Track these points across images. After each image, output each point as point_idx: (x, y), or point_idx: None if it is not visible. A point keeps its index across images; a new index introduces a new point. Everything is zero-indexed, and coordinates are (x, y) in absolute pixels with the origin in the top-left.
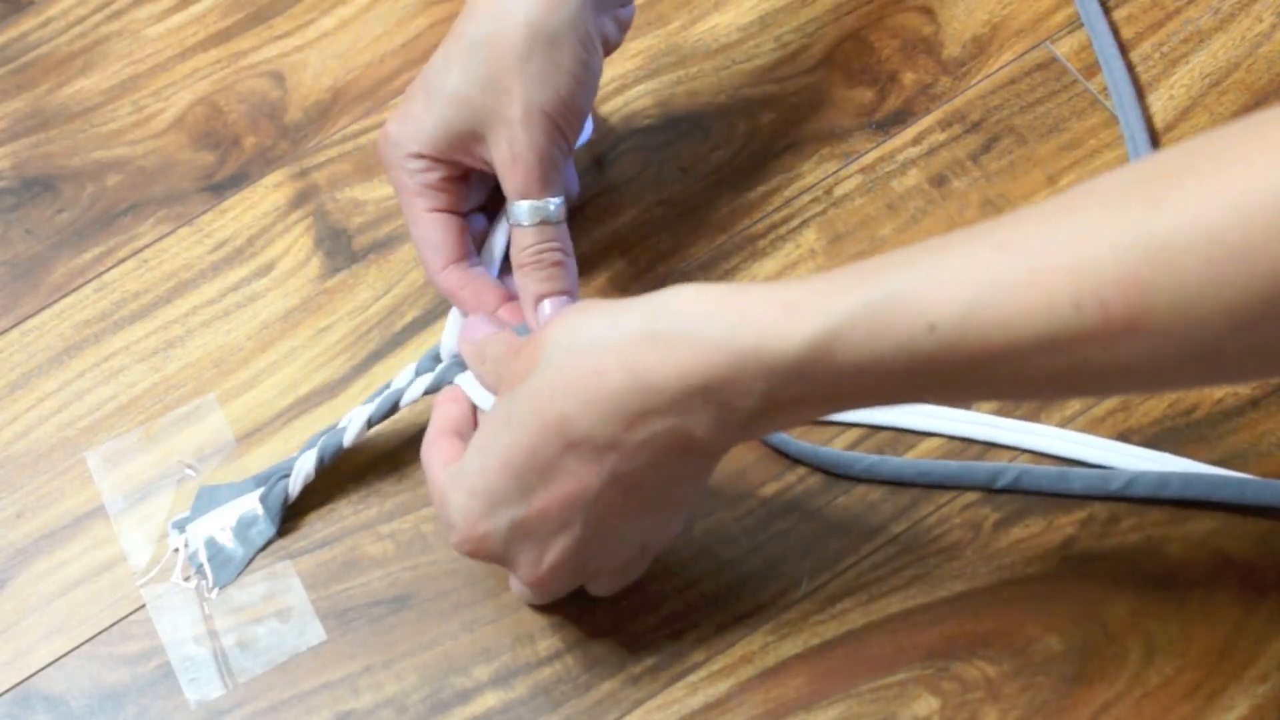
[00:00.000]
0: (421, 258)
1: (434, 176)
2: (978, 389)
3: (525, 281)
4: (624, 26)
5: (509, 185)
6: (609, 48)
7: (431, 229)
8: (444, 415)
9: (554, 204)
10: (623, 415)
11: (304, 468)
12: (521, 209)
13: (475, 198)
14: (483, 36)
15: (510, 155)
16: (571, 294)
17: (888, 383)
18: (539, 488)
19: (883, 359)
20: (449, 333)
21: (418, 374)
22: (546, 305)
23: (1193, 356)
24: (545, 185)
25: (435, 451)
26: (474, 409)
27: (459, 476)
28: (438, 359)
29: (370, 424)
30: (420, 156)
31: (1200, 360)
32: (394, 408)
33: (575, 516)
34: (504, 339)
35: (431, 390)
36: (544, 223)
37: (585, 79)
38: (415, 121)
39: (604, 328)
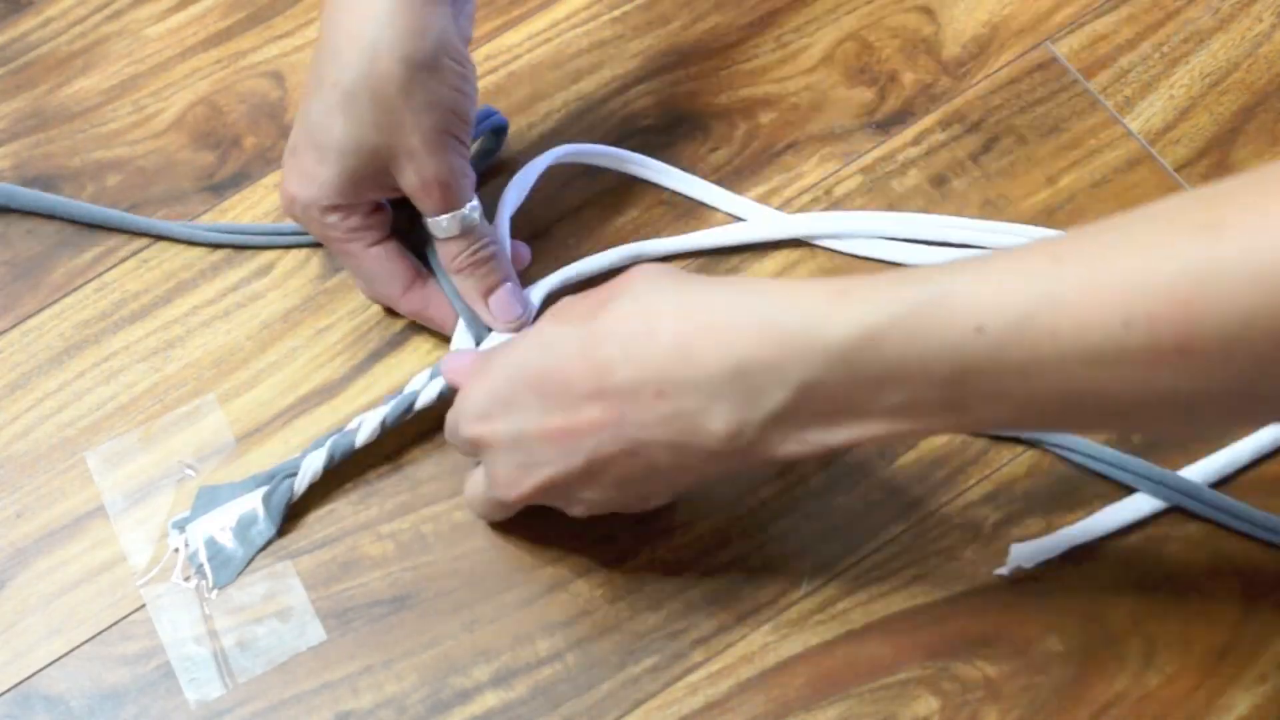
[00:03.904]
0: (377, 294)
1: (356, 219)
2: (1017, 403)
3: (466, 285)
4: (472, 18)
5: (426, 207)
6: (467, 43)
7: (379, 262)
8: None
9: (471, 207)
10: (657, 381)
11: (312, 466)
12: (442, 224)
13: (396, 219)
14: (359, 81)
15: (420, 181)
16: (511, 278)
17: (931, 381)
18: (557, 413)
19: (927, 355)
20: (459, 337)
21: (433, 377)
22: (494, 300)
23: (1236, 386)
24: (460, 196)
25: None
26: None
27: (485, 373)
28: None
29: (385, 426)
30: (335, 209)
31: (1243, 391)
32: (409, 410)
33: (577, 453)
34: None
35: (445, 395)
36: (467, 228)
37: (467, 88)
38: (316, 179)
39: (673, 293)
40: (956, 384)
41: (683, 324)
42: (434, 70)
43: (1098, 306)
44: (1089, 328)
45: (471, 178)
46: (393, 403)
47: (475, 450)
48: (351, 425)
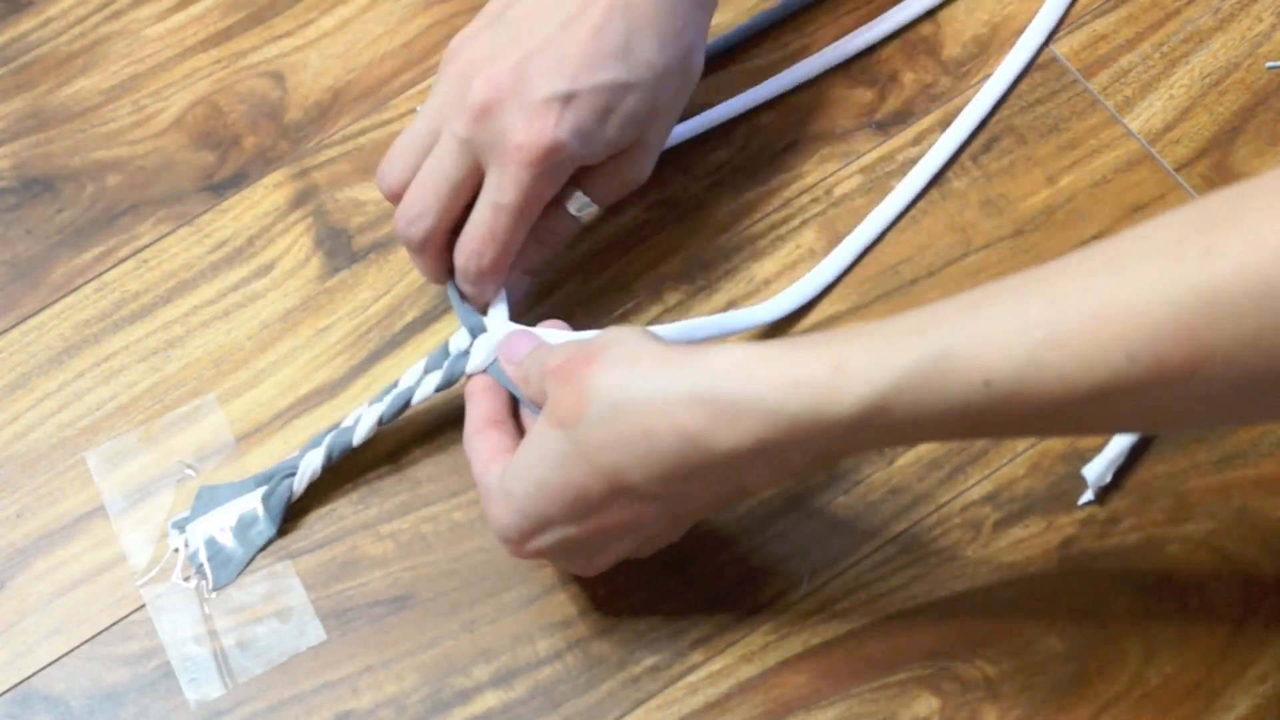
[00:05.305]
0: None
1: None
2: (1033, 431)
3: (525, 252)
4: None
5: (601, 192)
6: None
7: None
8: (482, 407)
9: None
10: (676, 473)
11: (310, 465)
12: (587, 207)
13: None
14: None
15: (625, 172)
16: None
17: (943, 431)
18: (590, 519)
19: (937, 414)
20: (459, 339)
21: (427, 370)
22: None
23: (1249, 400)
24: None
25: (479, 444)
26: (510, 397)
27: (507, 497)
28: (447, 354)
29: (381, 423)
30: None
31: (1257, 402)
32: (405, 406)
33: (625, 536)
34: (540, 356)
35: (442, 388)
36: (585, 220)
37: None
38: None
39: (652, 386)
40: (968, 428)
41: (681, 420)
42: (691, 78)
43: (1101, 345)
44: (1094, 367)
45: None
46: (389, 398)
47: (537, 560)
48: (348, 422)
